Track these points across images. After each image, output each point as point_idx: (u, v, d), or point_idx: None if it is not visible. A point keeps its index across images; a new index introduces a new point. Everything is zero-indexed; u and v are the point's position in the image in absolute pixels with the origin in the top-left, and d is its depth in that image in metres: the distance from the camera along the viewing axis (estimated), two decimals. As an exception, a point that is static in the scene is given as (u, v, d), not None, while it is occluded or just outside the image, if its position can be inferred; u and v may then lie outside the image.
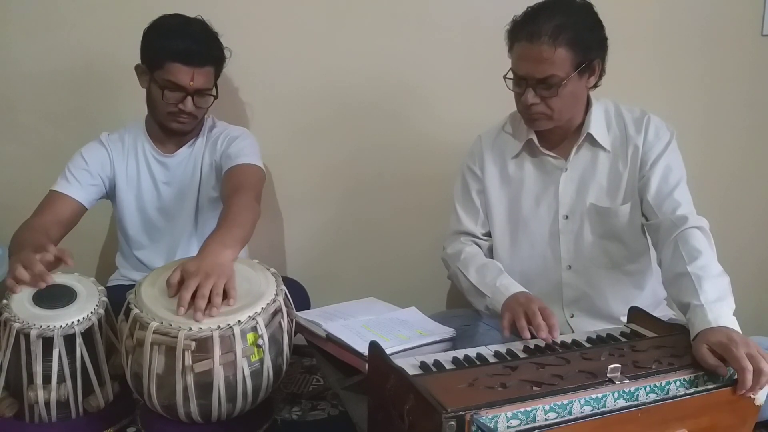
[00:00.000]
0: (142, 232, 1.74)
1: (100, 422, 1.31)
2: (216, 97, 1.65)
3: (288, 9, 1.90)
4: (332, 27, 1.91)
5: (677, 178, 1.43)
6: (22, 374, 1.23)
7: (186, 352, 1.16)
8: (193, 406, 1.20)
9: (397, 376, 1.02)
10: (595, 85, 1.46)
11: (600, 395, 0.99)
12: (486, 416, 0.91)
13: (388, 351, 1.10)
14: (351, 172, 2.01)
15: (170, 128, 1.64)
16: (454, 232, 1.64)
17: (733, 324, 1.14)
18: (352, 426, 1.21)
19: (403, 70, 1.93)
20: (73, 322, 1.24)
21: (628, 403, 1.00)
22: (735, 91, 1.98)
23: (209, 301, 1.20)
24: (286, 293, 1.34)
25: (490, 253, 1.61)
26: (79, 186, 1.61)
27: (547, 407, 0.95)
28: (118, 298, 1.32)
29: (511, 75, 1.42)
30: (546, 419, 0.95)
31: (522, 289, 1.40)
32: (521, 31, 1.37)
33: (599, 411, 0.98)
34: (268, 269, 1.37)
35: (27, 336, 1.21)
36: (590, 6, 1.41)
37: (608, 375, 1.03)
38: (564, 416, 0.96)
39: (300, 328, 1.39)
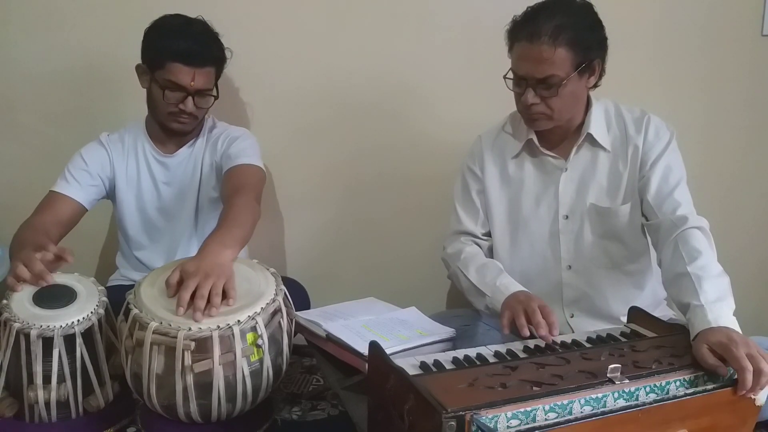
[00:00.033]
0: (142, 232, 1.74)
1: (100, 422, 1.31)
2: (216, 98, 1.65)
3: (288, 9, 1.90)
4: (332, 27, 1.91)
5: (677, 178, 1.43)
6: (22, 374, 1.23)
7: (185, 352, 1.16)
8: (193, 406, 1.20)
9: (397, 376, 1.02)
10: (595, 85, 1.46)
11: (600, 395, 0.99)
12: (486, 416, 0.91)
13: (388, 351, 1.10)
14: (351, 172, 2.01)
15: (171, 128, 1.64)
16: (454, 232, 1.64)
17: (733, 324, 1.14)
18: (352, 426, 1.21)
19: (403, 70, 1.93)
20: (73, 322, 1.24)
21: (628, 403, 1.00)
22: (735, 91, 1.98)
23: (209, 301, 1.20)
24: (285, 293, 1.34)
25: (490, 253, 1.61)
26: (78, 186, 1.61)
27: (547, 407, 0.95)
28: (118, 298, 1.32)
29: (511, 75, 1.42)
30: (546, 419, 0.95)
31: (522, 288, 1.40)
32: (521, 31, 1.38)
33: (599, 411, 0.98)
34: (268, 269, 1.37)
35: (27, 336, 1.21)
36: (590, 6, 1.41)
37: (608, 375, 1.03)
38: (564, 416, 0.96)
39: (300, 328, 1.39)
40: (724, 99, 1.98)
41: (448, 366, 1.11)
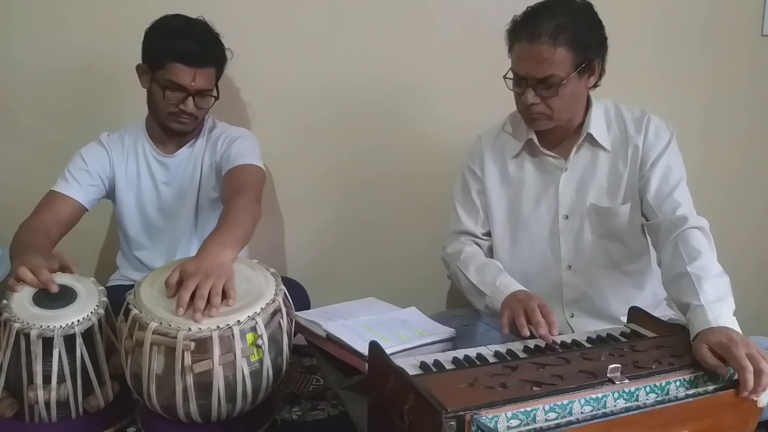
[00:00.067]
0: (142, 233, 1.74)
1: (100, 422, 1.31)
2: (217, 98, 1.65)
3: (288, 9, 1.90)
4: (332, 27, 1.91)
5: (677, 178, 1.43)
6: (22, 374, 1.23)
7: (185, 353, 1.16)
8: (193, 407, 1.20)
9: (397, 376, 1.02)
10: (595, 85, 1.46)
11: (600, 395, 0.99)
12: (486, 416, 0.91)
13: (388, 351, 1.10)
14: (351, 172, 2.01)
15: (171, 128, 1.64)
16: (454, 231, 1.64)
17: (733, 324, 1.14)
18: (352, 426, 1.21)
19: (403, 70, 1.93)
20: (73, 322, 1.24)
21: (629, 404, 1.00)
22: (735, 91, 1.98)
23: (208, 301, 1.20)
24: (285, 293, 1.34)
25: (490, 252, 1.61)
26: (78, 186, 1.61)
27: (547, 407, 0.95)
28: (118, 298, 1.32)
29: (511, 75, 1.42)
30: (546, 419, 0.95)
31: (522, 287, 1.40)
32: (521, 31, 1.38)
33: (600, 412, 0.98)
34: (268, 269, 1.37)
35: (27, 336, 1.21)
36: (590, 6, 1.41)
37: (608, 375, 1.03)
38: (564, 416, 0.96)
39: (300, 328, 1.39)
40: (724, 99, 1.98)
41: (448, 366, 1.11)
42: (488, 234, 1.61)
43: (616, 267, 1.52)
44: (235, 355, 1.20)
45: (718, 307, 1.16)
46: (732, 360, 1.06)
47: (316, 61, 1.92)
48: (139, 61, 1.62)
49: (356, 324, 1.34)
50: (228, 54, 1.64)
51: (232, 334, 1.19)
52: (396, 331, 1.32)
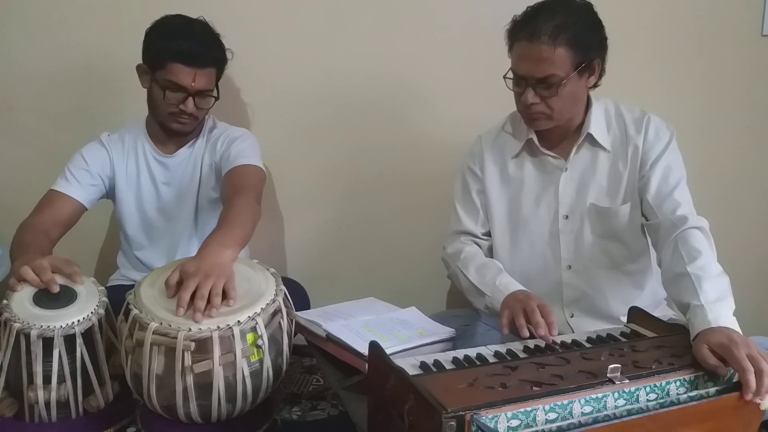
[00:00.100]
0: (141, 233, 1.74)
1: (100, 422, 1.30)
2: (217, 98, 1.65)
3: (288, 9, 1.90)
4: (332, 27, 1.91)
5: (677, 178, 1.43)
6: (22, 374, 1.23)
7: (185, 353, 1.16)
8: (193, 407, 1.20)
9: (397, 376, 1.02)
10: (595, 85, 1.46)
11: (600, 395, 0.99)
12: (486, 416, 0.91)
13: (388, 351, 1.10)
14: (351, 172, 2.01)
15: (171, 129, 1.64)
16: (454, 231, 1.64)
17: (733, 324, 1.14)
18: (352, 426, 1.21)
19: (403, 70, 1.93)
20: (73, 322, 1.24)
21: (630, 405, 1.00)
22: (735, 91, 1.98)
23: (208, 301, 1.20)
24: (285, 293, 1.34)
25: (490, 252, 1.61)
26: (78, 186, 1.61)
27: (547, 407, 0.95)
28: (118, 298, 1.32)
29: (511, 75, 1.42)
30: (546, 419, 0.95)
31: (521, 287, 1.40)
32: (521, 30, 1.38)
33: (602, 415, 0.98)
34: (268, 269, 1.37)
35: (27, 336, 1.21)
36: (590, 6, 1.41)
37: (608, 375, 1.03)
38: (564, 416, 0.96)
39: (300, 328, 1.39)
40: (724, 99, 1.98)
41: (448, 366, 1.11)
42: (488, 234, 1.61)
43: (616, 267, 1.52)
44: (235, 355, 1.20)
45: (718, 307, 1.16)
46: (732, 361, 1.06)
47: (316, 61, 1.92)
48: (139, 61, 1.62)
49: (356, 324, 1.34)
50: (228, 54, 1.64)
51: (233, 335, 1.19)
52: (396, 331, 1.32)
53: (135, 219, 1.73)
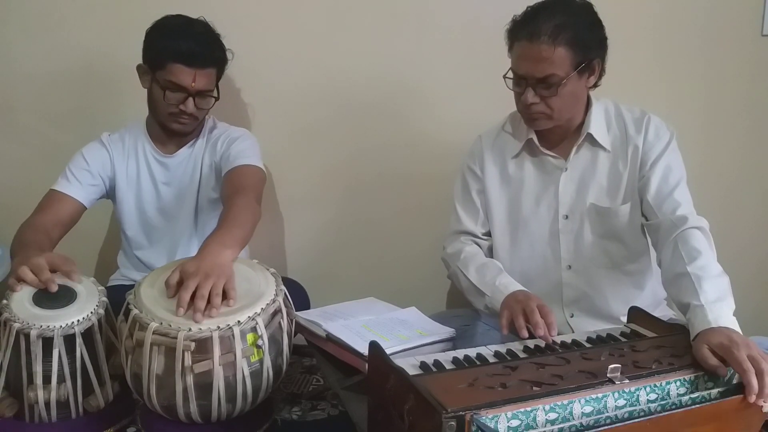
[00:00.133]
0: (141, 233, 1.74)
1: (100, 422, 1.30)
2: (217, 99, 1.65)
3: (288, 9, 1.90)
4: (332, 27, 1.91)
5: (677, 178, 1.43)
6: (22, 374, 1.23)
7: (185, 353, 1.16)
8: (193, 407, 1.20)
9: (397, 376, 1.02)
10: (595, 85, 1.46)
11: (600, 395, 0.99)
12: (486, 416, 0.91)
13: (388, 351, 1.10)
14: (351, 172, 2.01)
15: (171, 129, 1.64)
16: (454, 231, 1.64)
17: (734, 324, 1.14)
18: (352, 426, 1.21)
19: (403, 70, 1.93)
20: (73, 322, 1.24)
21: (632, 407, 1.00)
22: (735, 91, 1.98)
23: (209, 301, 1.20)
24: (285, 293, 1.34)
25: (490, 252, 1.61)
26: (79, 186, 1.61)
27: (547, 407, 0.95)
28: (118, 298, 1.32)
29: (510, 74, 1.42)
30: (546, 419, 0.95)
31: (521, 287, 1.39)
32: (521, 30, 1.38)
33: (603, 416, 0.98)
34: (268, 269, 1.37)
35: (27, 336, 1.21)
36: (590, 6, 1.41)
37: (608, 375, 1.03)
38: (564, 416, 0.96)
39: (300, 328, 1.39)
40: (724, 99, 1.98)
41: (448, 366, 1.11)
42: (488, 234, 1.61)
43: (616, 267, 1.52)
44: (235, 355, 1.20)
45: (718, 307, 1.16)
46: (733, 362, 1.06)
47: (316, 61, 1.92)
48: (140, 61, 1.62)
49: (356, 324, 1.34)
50: (229, 54, 1.64)
51: (233, 335, 1.19)
52: (396, 331, 1.32)
53: (135, 219, 1.73)
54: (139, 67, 1.63)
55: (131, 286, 1.32)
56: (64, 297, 1.28)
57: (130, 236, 1.74)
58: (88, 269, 1.99)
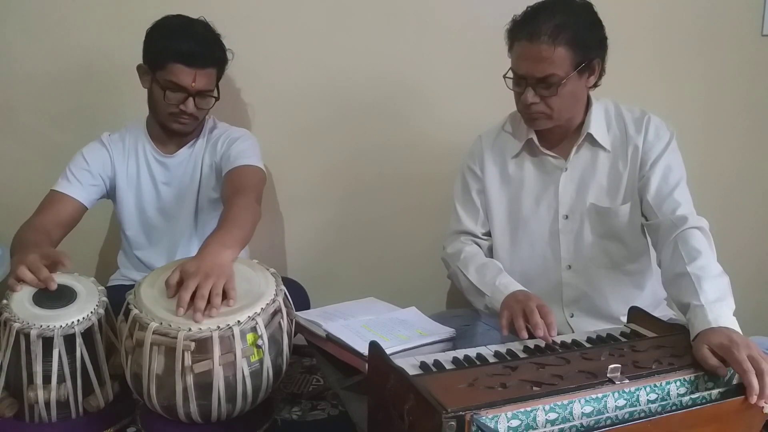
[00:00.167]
0: (141, 233, 1.74)
1: (100, 422, 1.30)
2: (217, 99, 1.65)
3: (288, 9, 1.90)
4: (332, 27, 1.91)
5: (677, 178, 1.43)
6: (22, 374, 1.23)
7: (185, 353, 1.16)
8: (193, 407, 1.20)
9: (397, 376, 1.02)
10: (595, 85, 1.46)
11: (600, 395, 0.99)
12: (486, 416, 0.91)
13: (388, 351, 1.10)
14: (351, 172, 2.01)
15: (171, 129, 1.64)
16: (454, 231, 1.64)
17: (733, 324, 1.14)
18: (352, 426, 1.21)
19: (403, 70, 1.93)
20: (73, 322, 1.24)
21: (632, 408, 1.00)
22: (735, 91, 1.98)
23: (209, 301, 1.20)
24: (285, 293, 1.34)
25: (490, 252, 1.61)
26: (80, 186, 1.61)
27: (547, 407, 0.95)
28: (118, 298, 1.32)
29: (510, 74, 1.42)
30: (546, 419, 0.95)
31: (521, 287, 1.39)
32: (521, 30, 1.38)
33: (603, 417, 0.98)
34: (268, 269, 1.37)
35: (27, 336, 1.21)
36: (590, 5, 1.41)
37: (608, 375, 1.03)
38: (565, 416, 0.96)
39: (300, 328, 1.39)
40: (724, 99, 1.98)
41: (448, 366, 1.11)
42: (488, 234, 1.61)
43: (616, 267, 1.52)
44: (235, 355, 1.20)
45: (718, 307, 1.16)
46: (733, 362, 1.06)
47: (316, 61, 1.92)
48: (140, 61, 1.62)
49: (356, 324, 1.34)
50: (229, 54, 1.64)
51: (233, 335, 1.19)
52: (396, 331, 1.32)
53: (135, 219, 1.73)
54: (139, 67, 1.63)
55: (131, 286, 1.32)
56: (64, 297, 1.28)
57: (130, 236, 1.74)
58: (88, 269, 1.99)
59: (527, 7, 1.40)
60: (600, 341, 1.24)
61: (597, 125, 1.48)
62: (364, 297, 1.57)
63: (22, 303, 1.25)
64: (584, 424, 0.97)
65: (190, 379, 1.18)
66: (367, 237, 2.04)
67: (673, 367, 1.08)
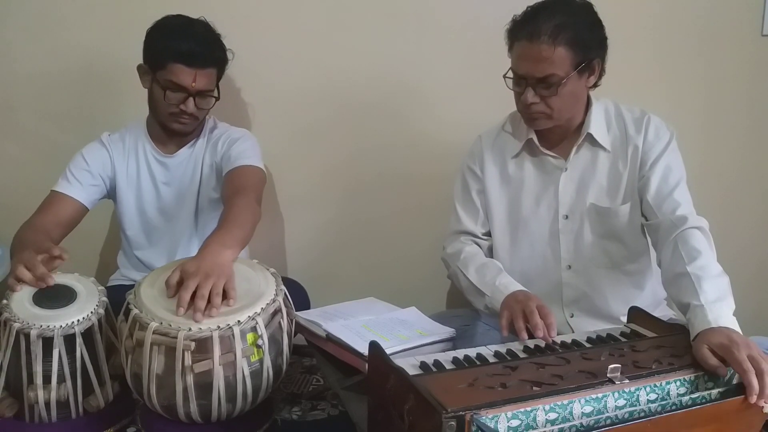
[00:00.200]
0: (141, 233, 1.74)
1: (100, 422, 1.31)
2: (218, 99, 1.65)
3: (288, 9, 1.90)
4: (332, 27, 1.91)
5: (677, 178, 1.43)
6: (22, 374, 1.23)
7: (186, 353, 1.16)
8: (193, 407, 1.20)
9: (397, 376, 1.02)
10: (595, 85, 1.46)
11: (600, 395, 0.99)
12: (486, 416, 0.91)
13: (388, 351, 1.10)
14: (351, 172, 2.01)
15: (171, 129, 1.64)
16: (454, 231, 1.64)
17: (733, 324, 1.14)
18: (352, 426, 1.21)
19: (403, 70, 1.93)
20: (73, 322, 1.24)
21: (632, 407, 1.00)
22: (735, 91, 1.98)
23: (209, 301, 1.20)
24: (285, 293, 1.34)
25: (490, 252, 1.61)
26: (80, 186, 1.61)
27: (547, 407, 0.95)
28: (118, 298, 1.32)
29: (510, 74, 1.42)
30: (546, 419, 0.95)
31: (521, 287, 1.39)
32: (521, 30, 1.38)
33: (603, 417, 0.98)
34: (268, 269, 1.37)
35: (27, 336, 1.21)
36: (590, 5, 1.41)
37: (608, 375, 1.03)
38: (565, 416, 0.96)
39: (300, 328, 1.39)
40: (724, 99, 1.98)
41: (448, 366, 1.11)
42: (488, 234, 1.61)
43: (616, 267, 1.52)
44: (235, 355, 1.20)
45: (718, 307, 1.16)
46: (733, 362, 1.06)
47: (316, 61, 1.92)
48: (140, 61, 1.62)
49: (356, 324, 1.34)
50: (229, 54, 1.64)
51: (233, 334, 1.19)
52: (396, 331, 1.32)
53: (135, 219, 1.73)
54: (139, 67, 1.63)
55: (131, 286, 1.32)
56: (64, 297, 1.28)
57: (130, 236, 1.74)
58: (88, 269, 1.99)
59: (527, 7, 1.40)
60: (600, 341, 1.24)
61: (597, 125, 1.48)
62: (364, 297, 1.57)
63: (22, 303, 1.25)
64: (584, 423, 0.97)
65: (190, 379, 1.18)
66: (367, 237, 2.04)
67: (673, 367, 1.08)
